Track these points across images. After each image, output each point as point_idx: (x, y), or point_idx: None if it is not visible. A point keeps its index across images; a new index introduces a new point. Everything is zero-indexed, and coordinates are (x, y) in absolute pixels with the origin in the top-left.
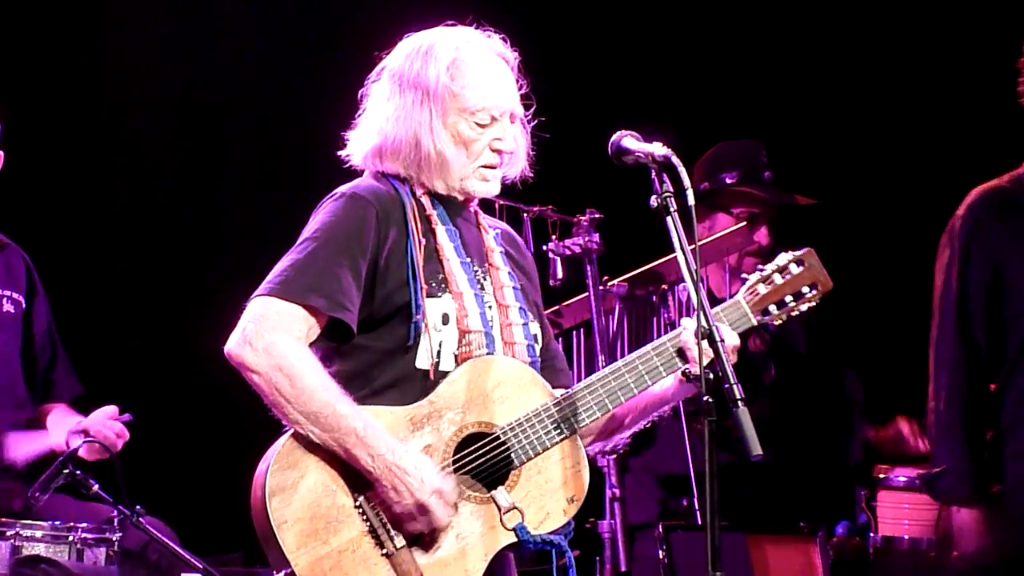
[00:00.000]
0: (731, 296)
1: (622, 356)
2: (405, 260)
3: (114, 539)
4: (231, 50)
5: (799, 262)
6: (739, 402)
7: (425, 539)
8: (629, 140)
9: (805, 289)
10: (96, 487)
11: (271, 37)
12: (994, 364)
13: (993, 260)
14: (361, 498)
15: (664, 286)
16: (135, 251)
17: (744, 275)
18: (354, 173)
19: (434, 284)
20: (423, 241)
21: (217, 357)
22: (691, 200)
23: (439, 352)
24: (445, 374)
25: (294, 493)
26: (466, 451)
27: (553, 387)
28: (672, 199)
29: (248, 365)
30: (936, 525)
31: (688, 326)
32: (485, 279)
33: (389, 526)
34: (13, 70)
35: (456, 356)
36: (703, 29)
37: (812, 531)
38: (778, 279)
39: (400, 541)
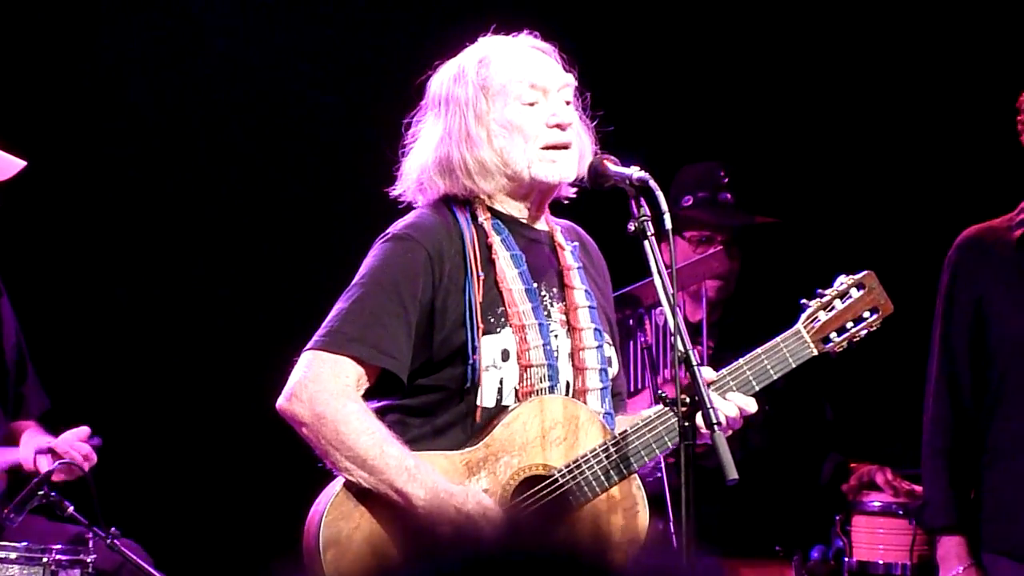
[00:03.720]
0: (697, 317)
1: None
2: (463, 298)
3: (88, 560)
4: (271, 70)
5: (859, 286)
6: (716, 426)
7: None
8: (607, 164)
9: (866, 314)
10: (71, 508)
11: (324, 72)
12: (978, 398)
13: (975, 297)
14: None
15: (641, 310)
16: (112, 265)
17: (805, 307)
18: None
19: (492, 320)
20: (482, 276)
21: (197, 380)
22: (668, 224)
23: (500, 389)
24: (506, 408)
25: (349, 545)
26: (524, 494)
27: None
28: (649, 223)
29: (296, 418)
30: (911, 550)
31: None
32: (553, 304)
33: None
34: None
35: (517, 391)
36: (685, 48)
37: (787, 555)
38: (839, 305)
39: None
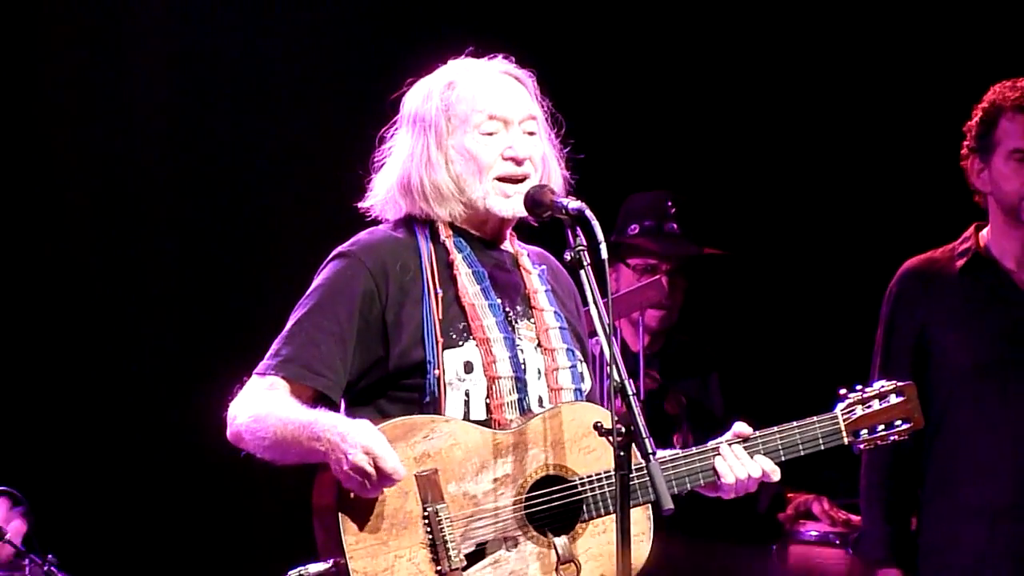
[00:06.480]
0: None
1: None
2: (419, 313)
3: None
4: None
5: (899, 393)
6: (651, 456)
7: (482, 570)
8: (543, 194)
9: (898, 422)
10: (8, 535)
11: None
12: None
13: (916, 329)
14: (431, 509)
15: None
16: (45, 288)
17: (843, 394)
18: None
19: (454, 334)
20: (439, 292)
21: (134, 410)
22: (604, 254)
23: (467, 402)
24: (475, 423)
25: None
26: (541, 490)
27: None
28: (585, 252)
29: (234, 439)
30: None
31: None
32: (518, 321)
33: (450, 545)
34: None
35: (488, 404)
36: (638, 78)
37: None
38: (876, 405)
39: (457, 563)
